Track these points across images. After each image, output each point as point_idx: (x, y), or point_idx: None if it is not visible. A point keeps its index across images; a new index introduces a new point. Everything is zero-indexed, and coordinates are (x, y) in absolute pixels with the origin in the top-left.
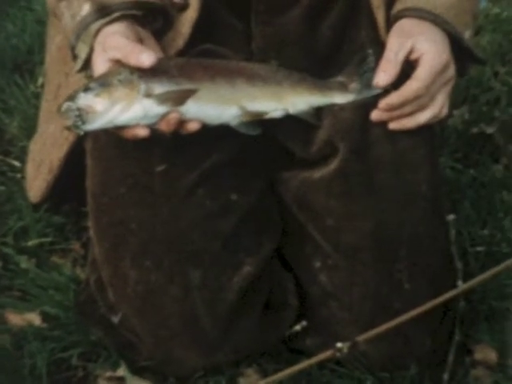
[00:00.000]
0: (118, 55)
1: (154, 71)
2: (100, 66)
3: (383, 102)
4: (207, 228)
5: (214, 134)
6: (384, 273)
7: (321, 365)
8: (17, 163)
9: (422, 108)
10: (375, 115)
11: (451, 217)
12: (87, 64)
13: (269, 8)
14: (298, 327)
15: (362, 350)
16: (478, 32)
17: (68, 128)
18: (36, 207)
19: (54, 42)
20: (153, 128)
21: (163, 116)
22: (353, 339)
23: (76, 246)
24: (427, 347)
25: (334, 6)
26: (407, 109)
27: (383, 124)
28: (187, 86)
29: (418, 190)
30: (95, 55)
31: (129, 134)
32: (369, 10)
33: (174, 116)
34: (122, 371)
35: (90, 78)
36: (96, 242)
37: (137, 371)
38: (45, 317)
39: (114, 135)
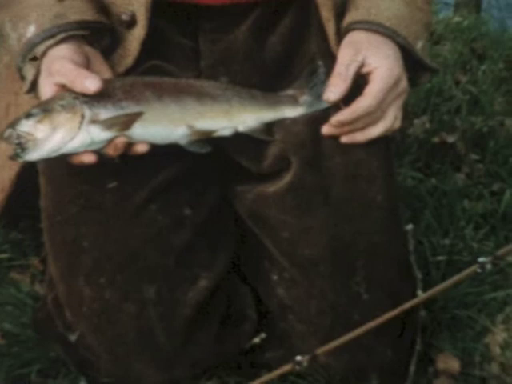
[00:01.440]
0: (63, 80)
1: (99, 96)
2: (47, 89)
3: (334, 119)
4: (160, 243)
5: (165, 150)
6: (341, 285)
7: (282, 378)
8: None
9: (373, 122)
10: (326, 130)
11: (409, 226)
12: (34, 85)
13: (215, 26)
14: (256, 339)
15: (322, 362)
16: (438, 41)
17: (11, 158)
18: None
19: (3, 62)
20: (100, 153)
21: (110, 141)
22: (312, 352)
23: (35, 261)
24: (388, 358)
25: (282, 20)
26: (359, 124)
27: (335, 137)
28: (133, 108)
29: (373, 200)
30: (42, 79)
31: (75, 160)
32: (319, 22)
33: (120, 141)
34: None
35: (39, 98)
36: (51, 260)
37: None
38: (3, 333)
39: None
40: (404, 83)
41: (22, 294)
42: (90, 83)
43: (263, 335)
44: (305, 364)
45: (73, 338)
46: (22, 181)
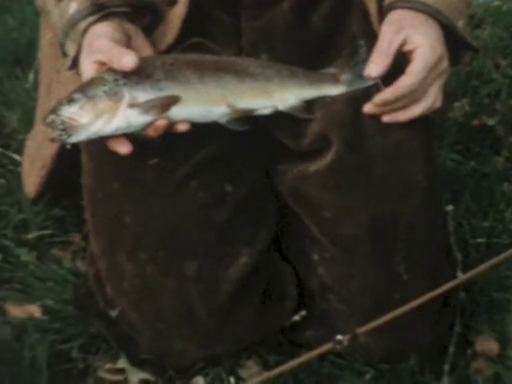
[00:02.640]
0: (102, 58)
1: (138, 76)
2: (87, 67)
3: (377, 98)
4: (201, 220)
5: (206, 127)
6: (382, 265)
7: (321, 357)
8: (17, 156)
9: (415, 101)
10: (368, 109)
11: (450, 207)
12: (76, 62)
13: (257, 2)
14: (297, 317)
15: (362, 342)
16: (478, 25)
17: (53, 140)
18: (35, 200)
19: (46, 38)
20: (140, 133)
21: (148, 124)
22: (352, 331)
23: (76, 238)
24: (428, 339)
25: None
26: (400, 103)
27: (376, 116)
28: (173, 89)
29: (414, 180)
30: (82, 56)
31: (111, 147)
32: (360, 1)
33: (161, 123)
34: (122, 363)
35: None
36: (93, 237)
37: (137, 363)
38: (45, 309)
39: None
40: (445, 62)
41: (63, 271)
42: (127, 60)
43: (304, 313)
44: (345, 343)
45: (114, 313)
46: (63, 158)
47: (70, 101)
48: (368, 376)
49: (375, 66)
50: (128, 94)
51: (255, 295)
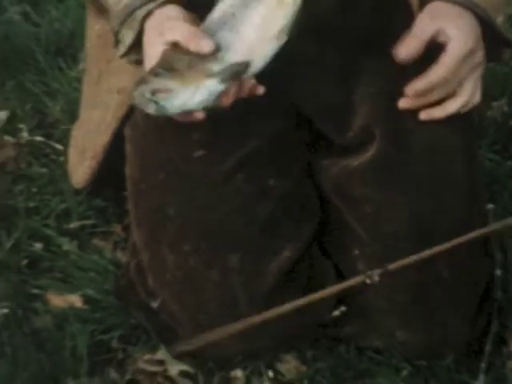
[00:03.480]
0: (177, 37)
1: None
2: (155, 49)
3: (409, 88)
4: (245, 213)
5: (252, 120)
6: (421, 261)
7: (359, 352)
8: (59, 146)
9: (450, 96)
10: (402, 103)
11: (490, 206)
12: (131, 50)
13: None
14: (336, 312)
15: (400, 339)
16: None
17: (152, 113)
18: (78, 191)
19: (94, 30)
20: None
21: (224, 92)
22: (383, 267)
23: (117, 229)
24: (465, 337)
25: None
26: (434, 95)
27: (415, 112)
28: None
29: (455, 177)
30: (150, 39)
31: (188, 118)
32: None
33: (237, 89)
34: (161, 354)
35: (135, 63)
36: (135, 227)
37: (176, 354)
38: (86, 299)
39: (153, 121)
40: (480, 55)
41: (104, 261)
42: (205, 44)
43: (343, 308)
44: (376, 278)
45: (155, 304)
46: (110, 148)
47: (157, 74)
48: (405, 372)
49: (404, 48)
50: (205, 66)
51: (296, 290)
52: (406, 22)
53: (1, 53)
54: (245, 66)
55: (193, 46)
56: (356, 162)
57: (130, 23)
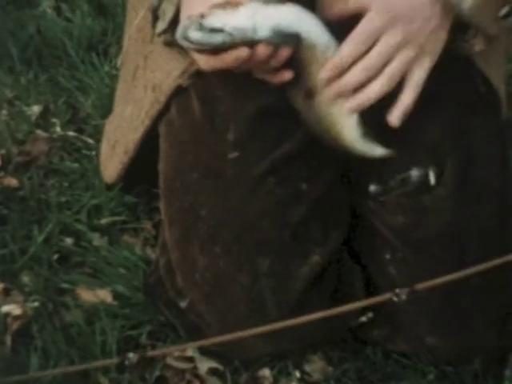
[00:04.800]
0: None
1: None
2: (195, 10)
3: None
4: (277, 216)
5: (286, 122)
6: (452, 267)
7: (385, 355)
8: (91, 141)
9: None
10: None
11: None
12: (171, 26)
13: None
14: (363, 318)
15: (430, 343)
16: None
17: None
18: (109, 186)
19: (133, 24)
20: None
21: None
22: (411, 286)
23: (147, 225)
24: (494, 343)
25: None
26: (351, 79)
27: (452, 120)
28: None
29: (489, 185)
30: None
31: (231, 56)
32: None
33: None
34: (191, 351)
35: (171, 43)
36: (167, 226)
37: (205, 352)
38: (115, 294)
39: (188, 119)
40: (414, 40)
41: (134, 257)
42: None
43: (370, 314)
44: (403, 297)
45: (183, 304)
46: (142, 146)
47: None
48: (431, 376)
49: None
50: None
51: (324, 294)
52: None
53: (34, 47)
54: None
55: None
56: None
57: None
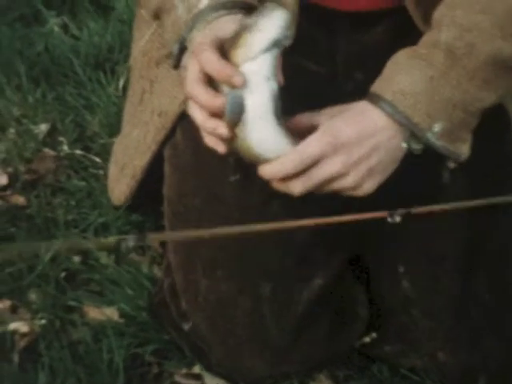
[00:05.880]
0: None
1: None
2: (190, 74)
3: (262, 169)
4: (280, 240)
5: None
6: (465, 282)
7: (392, 372)
8: (98, 159)
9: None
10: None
11: None
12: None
13: (354, 27)
14: (367, 339)
15: (440, 360)
16: None
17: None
18: (116, 205)
19: (139, 47)
20: None
21: None
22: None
23: (154, 244)
24: (503, 361)
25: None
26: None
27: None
28: None
29: (506, 202)
30: (188, 62)
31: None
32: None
33: None
34: (198, 369)
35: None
36: (170, 249)
37: (212, 369)
38: (122, 312)
39: (192, 143)
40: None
41: (140, 276)
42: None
43: (374, 335)
44: (397, 219)
45: (186, 326)
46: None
47: None
48: None
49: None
50: None
51: (327, 316)
52: None
53: (41, 64)
54: None
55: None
56: None
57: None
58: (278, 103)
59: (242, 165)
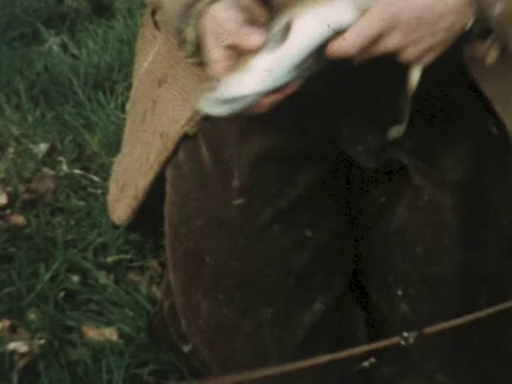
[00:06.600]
0: (231, 41)
1: None
2: (216, 53)
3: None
4: (281, 264)
5: (290, 168)
6: (464, 307)
7: None
8: (97, 178)
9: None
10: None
11: None
12: (197, 50)
13: None
14: (366, 364)
15: (440, 381)
16: None
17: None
18: (115, 224)
19: (143, 66)
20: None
21: None
22: (420, 329)
23: (153, 264)
24: (502, 383)
25: None
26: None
27: (465, 158)
28: None
29: (503, 225)
30: (209, 43)
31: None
32: None
33: None
34: None
35: (200, 65)
36: (171, 270)
37: None
38: (121, 333)
39: (195, 164)
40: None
41: (139, 296)
42: (254, 40)
43: (373, 360)
44: (411, 341)
45: (186, 349)
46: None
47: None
48: None
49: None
50: None
51: (326, 340)
52: None
53: (41, 84)
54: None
55: (245, 46)
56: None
57: (190, 20)
58: None
59: (245, 188)
